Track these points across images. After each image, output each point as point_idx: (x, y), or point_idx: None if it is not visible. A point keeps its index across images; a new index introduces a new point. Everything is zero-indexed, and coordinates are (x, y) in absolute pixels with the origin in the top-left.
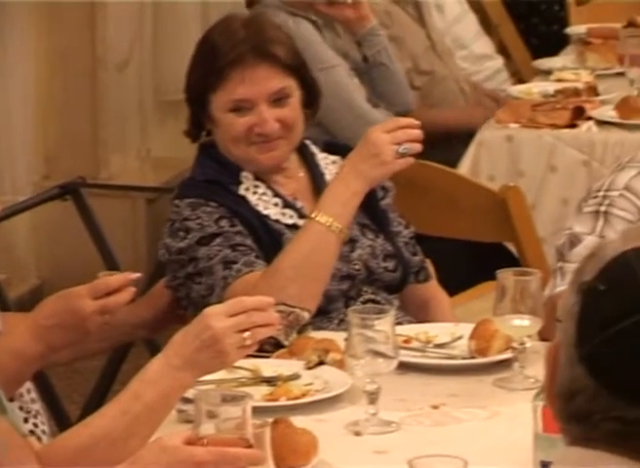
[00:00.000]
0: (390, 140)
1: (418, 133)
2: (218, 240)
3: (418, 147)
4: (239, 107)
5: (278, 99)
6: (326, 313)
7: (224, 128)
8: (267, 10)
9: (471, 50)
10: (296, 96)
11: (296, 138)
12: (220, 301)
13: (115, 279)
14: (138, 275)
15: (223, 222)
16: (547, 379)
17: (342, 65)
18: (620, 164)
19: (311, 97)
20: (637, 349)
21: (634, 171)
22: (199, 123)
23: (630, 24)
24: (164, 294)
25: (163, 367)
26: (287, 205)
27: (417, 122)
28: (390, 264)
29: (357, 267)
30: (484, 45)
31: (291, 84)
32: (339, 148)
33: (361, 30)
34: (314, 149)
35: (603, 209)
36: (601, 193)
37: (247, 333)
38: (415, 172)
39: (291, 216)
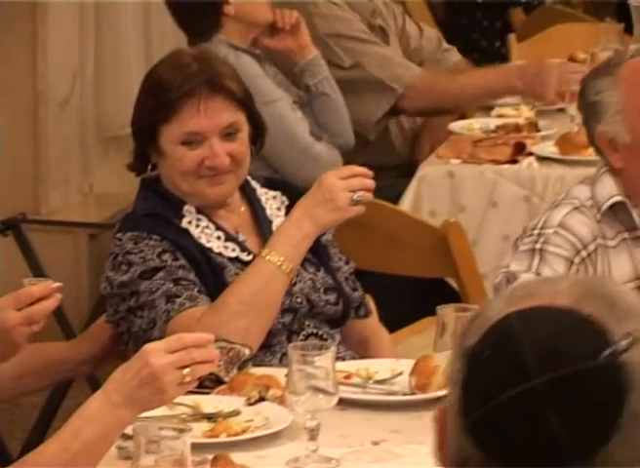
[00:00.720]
0: (345, 187)
1: (371, 182)
2: (160, 274)
3: (370, 196)
4: (190, 140)
5: (229, 134)
6: (268, 347)
7: (174, 161)
8: (210, 45)
9: None
10: (245, 130)
11: (243, 173)
12: (162, 336)
13: (38, 288)
14: (59, 284)
15: (166, 256)
16: (437, 444)
17: (285, 99)
18: (555, 201)
19: (258, 132)
20: (523, 421)
21: (568, 207)
22: (145, 156)
23: (571, 60)
24: (105, 330)
25: (103, 403)
26: (229, 238)
27: (370, 172)
28: (332, 297)
29: (299, 300)
30: None
31: (241, 118)
32: (278, 184)
33: (302, 60)
34: (255, 184)
35: (538, 246)
36: (536, 231)
37: (187, 370)
38: None
39: (233, 250)
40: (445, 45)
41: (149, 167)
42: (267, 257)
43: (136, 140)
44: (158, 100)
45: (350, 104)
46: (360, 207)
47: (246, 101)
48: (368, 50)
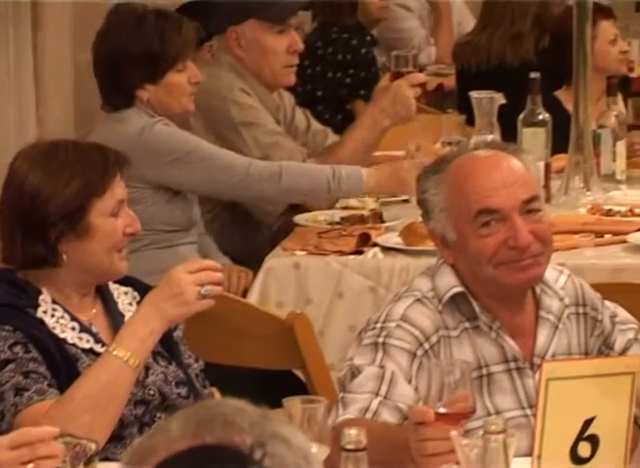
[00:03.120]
0: (193, 281)
1: (219, 276)
2: (10, 366)
3: (219, 290)
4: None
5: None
6: (120, 439)
7: (107, 233)
8: (125, 113)
9: None
10: None
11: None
12: (9, 429)
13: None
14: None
15: (17, 348)
16: None
17: (203, 142)
18: (397, 294)
19: None
20: None
21: (410, 300)
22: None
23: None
24: None
25: None
26: (84, 329)
27: (219, 265)
28: (183, 391)
29: (152, 392)
30: None
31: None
32: (129, 281)
33: None
34: None
35: (381, 340)
36: (379, 325)
37: (30, 466)
38: None
39: (87, 341)
40: (331, 139)
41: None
42: (114, 352)
43: (49, 232)
44: (85, 179)
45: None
46: (209, 300)
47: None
48: (278, 142)
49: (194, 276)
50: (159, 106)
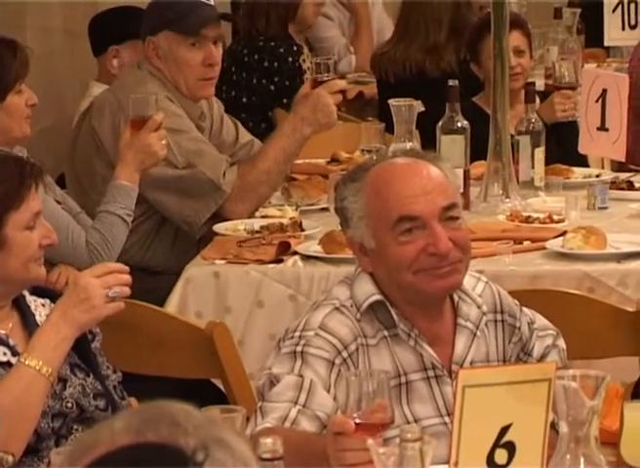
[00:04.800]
0: (100, 285)
1: (127, 277)
2: None
3: (127, 291)
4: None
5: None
6: (36, 452)
7: (23, 246)
8: None
9: None
10: None
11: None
12: None
13: None
14: None
15: None
16: None
17: None
18: (315, 303)
19: None
20: None
21: (328, 308)
22: None
23: (334, 160)
24: None
25: None
26: (1, 342)
27: (126, 267)
28: (101, 403)
29: (69, 405)
30: None
31: None
32: (46, 292)
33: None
34: (24, 292)
35: (299, 349)
36: (297, 333)
37: None
38: (123, 311)
39: (4, 354)
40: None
41: None
42: (26, 362)
43: None
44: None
45: (178, 203)
46: (118, 303)
47: None
48: (202, 150)
49: (101, 280)
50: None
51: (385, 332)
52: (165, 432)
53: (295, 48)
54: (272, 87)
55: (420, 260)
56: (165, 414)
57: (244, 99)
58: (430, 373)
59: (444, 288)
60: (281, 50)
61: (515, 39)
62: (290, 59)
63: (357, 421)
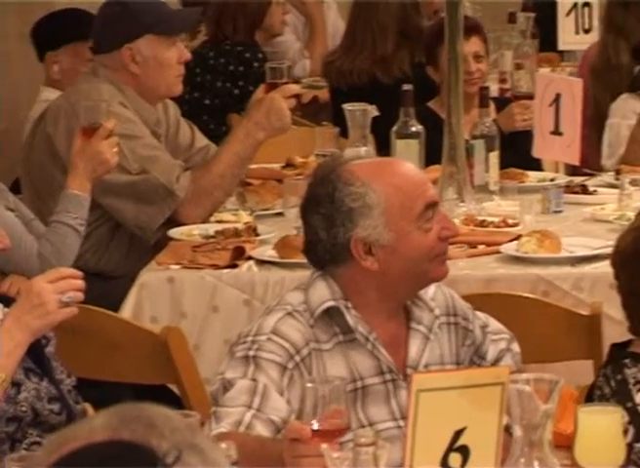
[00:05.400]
0: (53, 290)
1: (80, 282)
2: None
3: (80, 296)
4: None
5: None
6: None
7: None
8: None
9: None
10: None
11: None
12: None
13: None
14: None
15: None
16: None
17: None
18: (267, 307)
19: None
20: None
21: (281, 313)
22: None
23: (288, 164)
24: None
25: None
26: None
27: (79, 273)
28: (55, 407)
29: (24, 409)
30: None
31: None
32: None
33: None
34: None
35: (252, 353)
36: (249, 338)
37: None
38: (77, 316)
39: None
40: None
41: None
42: None
43: None
44: None
45: (132, 209)
46: (71, 309)
47: None
48: (156, 156)
49: (54, 285)
50: None
51: (341, 338)
52: (140, 432)
53: (260, 55)
54: (236, 90)
55: (437, 246)
56: (144, 416)
57: (206, 101)
58: (387, 377)
59: (446, 273)
60: (247, 55)
61: (474, 44)
62: (255, 65)
63: (313, 427)
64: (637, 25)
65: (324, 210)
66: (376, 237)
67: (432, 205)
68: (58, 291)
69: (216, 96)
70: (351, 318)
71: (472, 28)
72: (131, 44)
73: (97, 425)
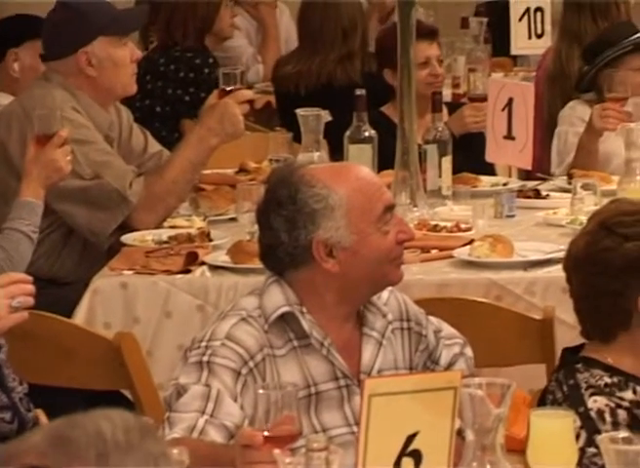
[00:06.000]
0: (3, 295)
1: (31, 287)
2: None
3: (31, 301)
4: None
5: None
6: None
7: None
8: None
9: None
10: None
11: None
12: None
13: None
14: None
15: None
16: None
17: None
18: (222, 313)
19: None
20: None
21: (235, 319)
22: None
23: (242, 170)
24: None
25: None
26: None
27: (30, 277)
28: (7, 415)
29: None
30: None
31: None
32: None
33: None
34: None
35: (206, 359)
36: (203, 343)
37: None
38: (29, 322)
39: None
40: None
41: None
42: None
43: None
44: None
45: (86, 214)
46: (22, 314)
47: None
48: (109, 161)
49: (4, 290)
50: None
51: (296, 343)
52: (64, 462)
53: (211, 60)
54: (187, 97)
55: (395, 249)
56: (73, 439)
57: (158, 109)
58: (341, 383)
59: (401, 277)
60: (197, 61)
61: (435, 48)
62: (206, 71)
63: (265, 434)
64: (591, 32)
65: (286, 212)
66: (337, 239)
67: (390, 208)
68: (8, 295)
69: (167, 103)
70: (306, 323)
71: (434, 32)
72: (86, 48)
73: (29, 446)
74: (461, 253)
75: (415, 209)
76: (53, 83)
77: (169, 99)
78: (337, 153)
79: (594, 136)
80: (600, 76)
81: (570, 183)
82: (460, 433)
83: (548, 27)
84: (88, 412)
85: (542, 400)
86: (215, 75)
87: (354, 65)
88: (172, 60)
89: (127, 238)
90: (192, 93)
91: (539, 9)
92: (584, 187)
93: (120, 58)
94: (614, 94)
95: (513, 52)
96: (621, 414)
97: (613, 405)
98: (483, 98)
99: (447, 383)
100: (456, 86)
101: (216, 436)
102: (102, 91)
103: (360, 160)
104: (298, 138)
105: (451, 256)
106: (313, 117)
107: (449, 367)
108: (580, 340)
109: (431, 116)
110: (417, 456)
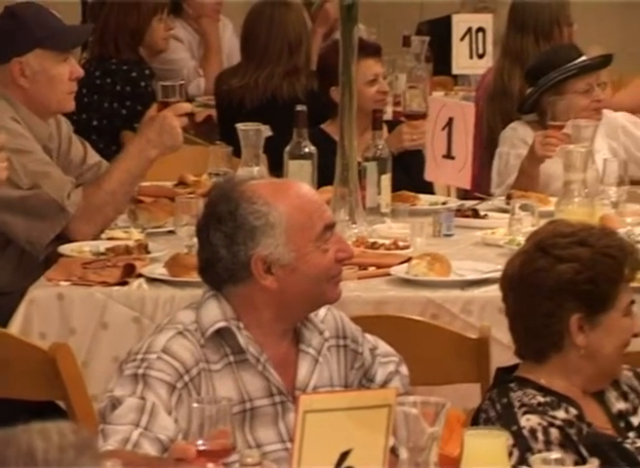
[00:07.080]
0: None
1: None
2: None
3: None
4: None
5: None
6: None
7: None
8: None
9: None
10: None
11: None
12: None
13: None
14: None
15: None
16: None
17: None
18: (158, 326)
19: None
20: None
21: (172, 332)
22: None
23: (181, 183)
24: None
25: None
26: None
27: None
28: None
29: None
30: None
31: None
32: None
33: None
34: None
35: (141, 372)
36: (139, 356)
37: None
38: None
39: None
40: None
41: None
42: None
43: None
44: None
45: (23, 224)
46: None
47: None
48: (47, 172)
49: None
50: None
51: (232, 358)
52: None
53: (147, 72)
54: (124, 111)
55: (334, 267)
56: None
57: (95, 122)
58: (276, 399)
59: (339, 295)
60: (133, 74)
61: (380, 66)
62: (142, 84)
63: (199, 447)
64: (533, 53)
65: (225, 227)
66: (277, 256)
67: (330, 226)
68: None
69: (103, 116)
70: (242, 338)
71: (379, 50)
72: (20, 58)
73: None
74: (399, 270)
75: (353, 226)
76: None
77: (105, 113)
78: (276, 168)
79: (535, 162)
80: (543, 99)
81: (508, 204)
82: (393, 451)
83: (490, 48)
84: (28, 426)
85: (476, 418)
86: (151, 88)
87: (300, 81)
88: (108, 73)
89: (64, 248)
90: (129, 106)
91: (480, 29)
92: (522, 208)
93: (56, 74)
94: (557, 122)
95: (455, 71)
96: (554, 433)
97: (545, 423)
98: (420, 116)
99: (381, 401)
100: (396, 104)
101: (150, 449)
102: (36, 103)
103: (300, 176)
104: (237, 153)
105: (388, 274)
106: (253, 132)
107: (384, 384)
108: (516, 360)
109: (372, 133)
110: None
